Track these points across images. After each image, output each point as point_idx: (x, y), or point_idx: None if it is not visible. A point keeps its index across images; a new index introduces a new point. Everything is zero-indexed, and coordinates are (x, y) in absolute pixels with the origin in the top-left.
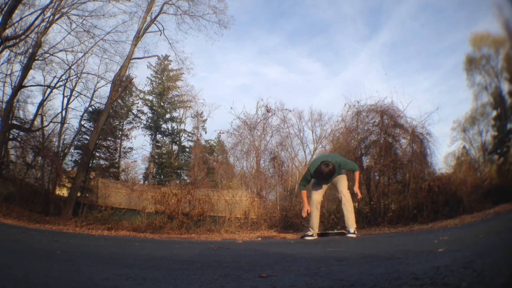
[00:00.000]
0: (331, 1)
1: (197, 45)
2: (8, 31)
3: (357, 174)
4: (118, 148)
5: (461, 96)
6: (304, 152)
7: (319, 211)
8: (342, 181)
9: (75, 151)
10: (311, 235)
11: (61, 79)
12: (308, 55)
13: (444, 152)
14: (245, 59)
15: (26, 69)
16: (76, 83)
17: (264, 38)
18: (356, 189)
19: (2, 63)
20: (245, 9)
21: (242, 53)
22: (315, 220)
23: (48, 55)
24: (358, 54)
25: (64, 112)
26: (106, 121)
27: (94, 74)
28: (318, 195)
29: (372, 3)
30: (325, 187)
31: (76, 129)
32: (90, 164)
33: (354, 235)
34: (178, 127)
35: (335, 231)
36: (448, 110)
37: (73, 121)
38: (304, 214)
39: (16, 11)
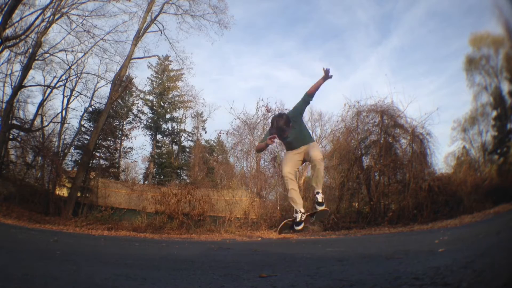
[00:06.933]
0: (346, 8)
1: (211, 49)
2: (8, 31)
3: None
4: (118, 148)
5: (464, 98)
6: None
7: (296, 185)
8: (314, 148)
9: (75, 151)
10: (299, 223)
11: (61, 79)
12: (321, 59)
13: (444, 152)
14: (259, 62)
15: (26, 69)
16: (76, 83)
17: (279, 42)
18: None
19: (2, 63)
20: (263, 14)
21: (257, 56)
22: (295, 196)
23: (48, 55)
24: (368, 59)
25: (64, 112)
26: (106, 121)
27: (94, 74)
28: (288, 167)
29: (384, 10)
30: (295, 158)
31: (76, 129)
32: (90, 164)
33: (320, 196)
34: (178, 127)
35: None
36: (452, 112)
37: (73, 121)
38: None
39: (16, 11)
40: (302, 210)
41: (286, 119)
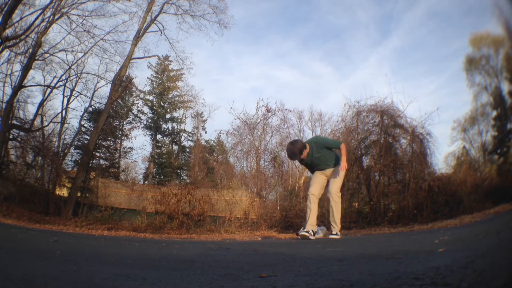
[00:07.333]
0: (347, 8)
1: (211, 49)
2: (8, 31)
3: (342, 147)
4: (118, 148)
5: (464, 98)
6: None
7: (316, 205)
8: (335, 178)
9: (75, 151)
10: (306, 232)
11: (61, 79)
12: (321, 59)
13: (444, 152)
14: (259, 62)
15: (26, 69)
16: (76, 83)
17: (279, 42)
18: (343, 163)
19: (2, 63)
20: (263, 14)
21: (257, 56)
22: (310, 215)
23: (48, 55)
24: (368, 59)
25: (64, 112)
26: (106, 121)
27: (94, 74)
28: (314, 188)
29: (384, 10)
30: (322, 178)
31: (76, 129)
32: (90, 164)
33: (337, 236)
34: (178, 127)
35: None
36: (452, 112)
37: (73, 121)
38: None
39: (16, 11)
40: (314, 230)
41: (299, 146)
